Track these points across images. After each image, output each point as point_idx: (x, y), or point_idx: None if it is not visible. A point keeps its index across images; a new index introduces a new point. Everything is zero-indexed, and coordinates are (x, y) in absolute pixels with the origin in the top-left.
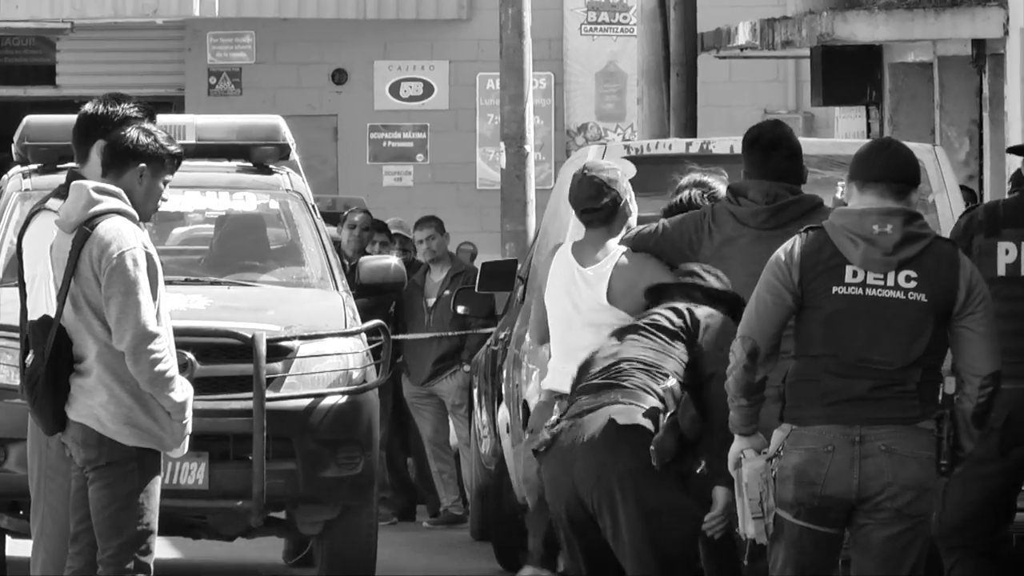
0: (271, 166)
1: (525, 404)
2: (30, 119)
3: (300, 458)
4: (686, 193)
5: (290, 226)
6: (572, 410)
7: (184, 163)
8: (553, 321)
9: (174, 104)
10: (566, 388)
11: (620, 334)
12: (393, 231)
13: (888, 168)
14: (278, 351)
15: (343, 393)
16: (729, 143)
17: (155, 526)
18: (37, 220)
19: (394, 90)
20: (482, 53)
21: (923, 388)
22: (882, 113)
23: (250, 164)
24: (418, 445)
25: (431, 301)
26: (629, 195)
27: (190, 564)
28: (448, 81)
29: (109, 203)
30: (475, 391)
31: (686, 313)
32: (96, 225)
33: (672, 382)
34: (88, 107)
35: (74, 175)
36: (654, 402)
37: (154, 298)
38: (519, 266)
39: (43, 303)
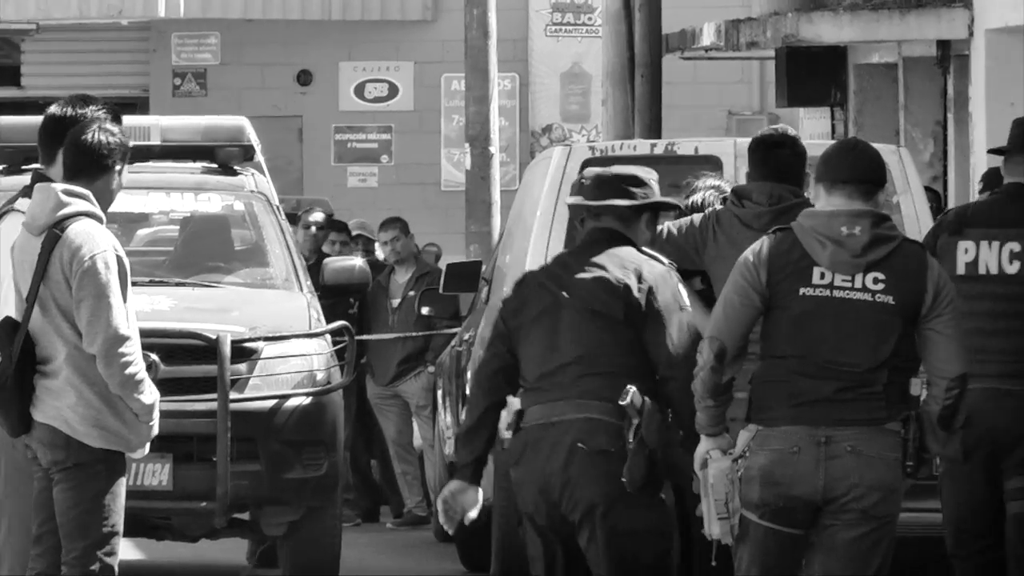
0: (236, 167)
1: None
2: None
3: (264, 459)
4: (700, 195)
5: (255, 227)
6: (529, 419)
7: (149, 164)
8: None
9: (139, 105)
10: None
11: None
12: (355, 232)
13: (856, 169)
14: (242, 352)
15: (307, 394)
16: (694, 144)
17: (120, 527)
18: (6, 221)
19: (359, 91)
20: (447, 54)
21: (890, 390)
22: (847, 114)
23: (215, 165)
24: (382, 446)
25: (396, 302)
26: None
27: (154, 565)
28: (413, 82)
29: (78, 205)
30: (439, 392)
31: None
32: (66, 228)
33: (632, 392)
34: (55, 109)
35: (39, 176)
36: (610, 418)
37: (124, 300)
38: (483, 267)
39: (8, 305)
